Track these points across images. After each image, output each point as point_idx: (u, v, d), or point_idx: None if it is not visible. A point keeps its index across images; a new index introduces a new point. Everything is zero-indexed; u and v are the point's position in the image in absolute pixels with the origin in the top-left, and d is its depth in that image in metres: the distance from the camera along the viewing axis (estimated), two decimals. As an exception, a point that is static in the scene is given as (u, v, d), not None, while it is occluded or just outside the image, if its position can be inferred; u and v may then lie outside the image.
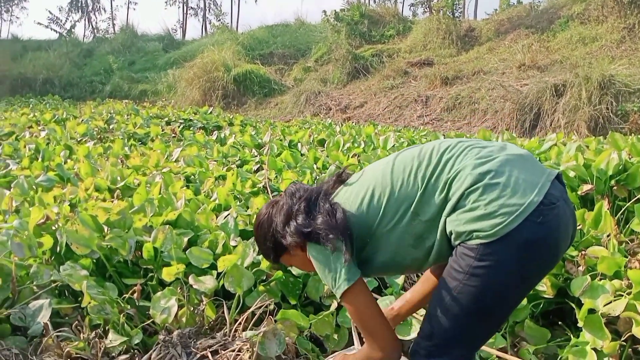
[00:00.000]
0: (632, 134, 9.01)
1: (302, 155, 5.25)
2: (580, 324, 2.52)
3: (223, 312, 2.54)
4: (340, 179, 1.74)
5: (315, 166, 4.68)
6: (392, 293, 2.79)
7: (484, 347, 2.60)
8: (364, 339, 1.71)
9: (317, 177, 4.21)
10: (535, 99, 11.54)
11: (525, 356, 2.64)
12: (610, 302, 2.59)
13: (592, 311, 2.57)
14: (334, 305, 2.57)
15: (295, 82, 19.46)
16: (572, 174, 3.80)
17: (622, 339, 2.47)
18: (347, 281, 1.55)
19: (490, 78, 13.96)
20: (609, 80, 10.60)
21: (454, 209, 1.46)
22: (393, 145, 5.18)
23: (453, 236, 1.47)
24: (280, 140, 6.47)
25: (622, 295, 2.59)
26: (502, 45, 16.66)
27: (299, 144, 6.20)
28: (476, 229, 1.41)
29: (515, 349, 2.72)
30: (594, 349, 2.45)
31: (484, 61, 15.79)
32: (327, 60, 19.64)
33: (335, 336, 2.58)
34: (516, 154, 1.53)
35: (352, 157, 4.84)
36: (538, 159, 4.39)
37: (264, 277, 2.74)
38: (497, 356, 2.59)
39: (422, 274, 2.64)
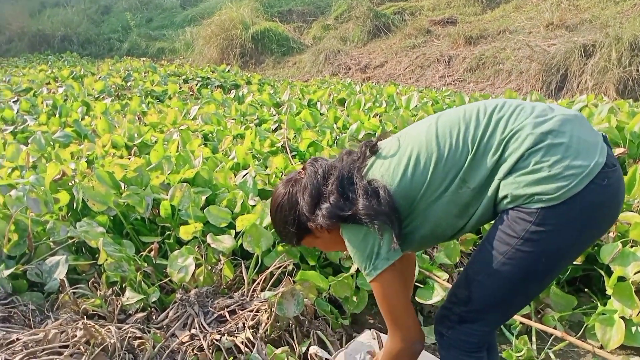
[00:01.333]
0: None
1: (321, 114, 5.13)
2: (609, 291, 2.44)
3: (241, 272, 2.51)
4: (373, 150, 1.57)
5: (335, 126, 4.56)
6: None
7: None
8: (387, 328, 1.62)
9: (337, 137, 4.11)
10: (562, 60, 11.12)
11: (549, 323, 2.57)
12: (641, 270, 2.49)
13: (622, 279, 2.48)
14: (354, 267, 2.51)
15: (314, 41, 19.07)
16: (603, 136, 3.64)
17: (654, 308, 2.38)
18: (386, 260, 1.44)
19: (516, 37, 13.48)
20: (640, 41, 10.15)
21: (510, 172, 1.35)
22: (416, 106, 5.03)
23: (507, 200, 1.37)
24: (299, 99, 6.33)
25: (655, 263, 2.48)
26: (530, 3, 16.01)
27: (318, 103, 6.06)
28: (538, 192, 1.31)
29: (539, 316, 2.66)
30: (622, 318, 2.37)
31: (509, 20, 15.22)
32: (347, 18, 19.14)
33: (355, 299, 2.54)
34: (571, 113, 1.42)
35: (373, 117, 4.71)
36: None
37: (283, 238, 2.68)
38: (520, 322, 2.53)
39: None
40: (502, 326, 2.58)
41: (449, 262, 2.82)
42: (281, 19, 20.63)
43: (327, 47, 17.18)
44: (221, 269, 2.49)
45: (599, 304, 2.54)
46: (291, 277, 2.42)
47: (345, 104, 5.97)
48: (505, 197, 1.37)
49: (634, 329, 2.38)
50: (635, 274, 2.47)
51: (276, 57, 18.43)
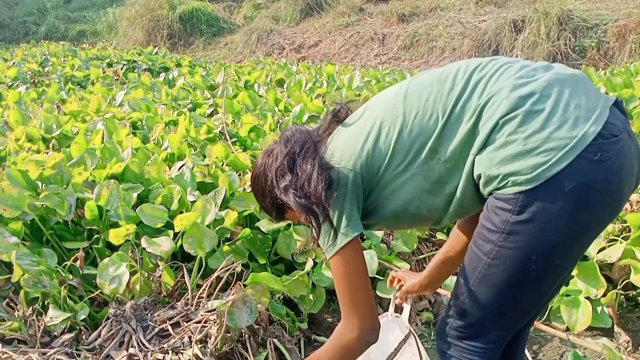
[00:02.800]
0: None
1: (260, 96, 4.84)
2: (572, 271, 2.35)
3: (183, 278, 2.23)
4: (337, 118, 1.38)
5: (276, 108, 4.29)
6: (371, 246, 2.54)
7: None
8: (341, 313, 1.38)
9: (280, 121, 3.85)
10: (493, 36, 11.32)
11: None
12: (604, 248, 2.43)
13: (585, 258, 2.41)
14: (310, 263, 2.30)
15: (245, 21, 18.55)
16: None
17: (619, 287, 2.32)
18: (344, 236, 1.25)
19: (447, 14, 13.58)
20: (567, 16, 10.45)
21: (484, 145, 1.13)
22: (358, 85, 4.83)
23: (482, 182, 1.15)
24: (235, 81, 6.00)
25: (617, 241, 2.43)
26: (458, -21, 16.19)
27: (256, 85, 5.75)
28: (512, 172, 1.09)
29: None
30: (587, 298, 2.29)
31: (440, -3, 15.34)
32: (279, -4, 18.72)
33: (311, 297, 2.33)
34: (567, 73, 1.17)
35: (315, 97, 4.48)
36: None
37: (229, 236, 2.43)
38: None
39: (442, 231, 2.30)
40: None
41: (406, 250, 2.66)
42: (210, -2, 19.89)
43: (259, 27, 16.78)
44: (160, 276, 2.21)
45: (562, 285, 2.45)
46: (241, 281, 2.18)
47: (285, 85, 5.69)
48: (479, 177, 1.16)
49: (599, 309, 2.31)
50: (598, 252, 2.40)
51: (206, 38, 17.89)
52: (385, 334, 1.74)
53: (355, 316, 1.32)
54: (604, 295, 2.28)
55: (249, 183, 2.69)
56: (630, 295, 2.54)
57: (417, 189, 1.24)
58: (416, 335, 1.79)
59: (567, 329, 2.30)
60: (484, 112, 1.14)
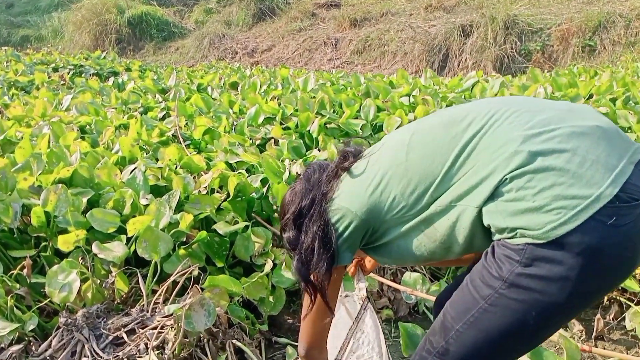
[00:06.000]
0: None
1: (214, 99, 4.77)
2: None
3: (137, 284, 2.16)
4: (344, 165, 1.35)
5: (231, 111, 4.23)
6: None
7: (430, 297, 2.44)
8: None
9: (235, 123, 3.80)
10: (443, 40, 11.58)
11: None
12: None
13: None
14: (269, 265, 2.27)
15: (196, 25, 18.30)
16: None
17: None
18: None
19: (398, 19, 13.80)
20: (512, 20, 10.81)
21: (491, 198, 1.08)
22: (313, 88, 4.83)
23: (492, 230, 1.10)
24: (187, 84, 5.89)
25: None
26: (408, -15, 16.49)
27: (209, 88, 5.66)
28: (521, 226, 1.04)
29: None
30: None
31: (391, 2, 15.57)
32: (231, 1, 18.57)
33: (271, 298, 2.30)
34: (589, 124, 1.09)
35: (270, 99, 4.44)
36: (463, 97, 4.24)
37: (184, 239, 2.37)
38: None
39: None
40: (428, 312, 2.47)
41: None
42: (159, 2, 19.59)
43: (211, 32, 16.61)
44: (113, 283, 2.13)
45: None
46: (198, 284, 2.13)
47: (239, 88, 5.63)
48: (489, 226, 1.11)
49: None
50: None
51: (156, 43, 17.56)
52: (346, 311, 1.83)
53: (303, 339, 1.51)
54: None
55: (204, 185, 2.65)
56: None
57: (415, 231, 1.23)
58: (372, 303, 1.80)
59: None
60: (488, 164, 1.09)
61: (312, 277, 1.34)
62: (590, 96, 4.09)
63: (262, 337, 2.22)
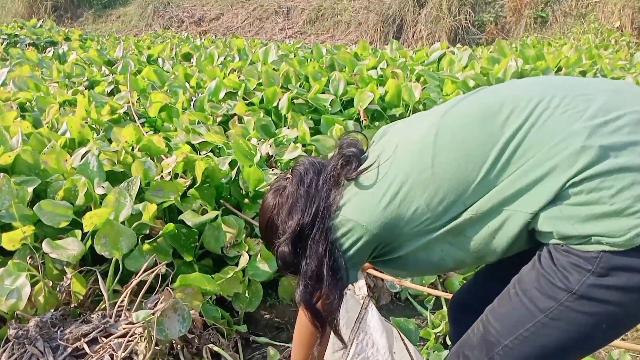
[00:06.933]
0: (488, 45, 9.29)
1: (166, 72, 4.44)
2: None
3: (97, 284, 1.92)
4: (349, 176, 1.14)
5: (187, 85, 3.93)
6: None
7: (415, 286, 2.32)
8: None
9: (194, 98, 3.52)
10: (397, 10, 11.43)
11: (453, 287, 2.41)
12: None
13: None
14: (244, 258, 2.07)
15: (139, -8, 17.43)
16: (471, 83, 3.57)
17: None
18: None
19: (351, -12, 13.52)
20: (466, -10, 10.75)
21: (553, 200, 0.92)
22: (274, 60, 4.55)
23: (552, 236, 0.95)
24: (136, 55, 5.48)
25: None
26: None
27: (160, 60, 5.29)
28: (596, 233, 0.89)
29: (442, 280, 2.49)
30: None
31: (343, -30, 15.26)
32: (175, -34, 17.73)
33: (247, 294, 2.11)
34: None
35: (230, 73, 4.16)
36: (431, 69, 4.10)
37: (147, 232, 2.13)
38: (428, 294, 2.32)
39: None
40: (413, 300, 2.35)
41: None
42: (98, -34, 18.45)
43: (156, -1, 15.83)
44: (69, 285, 1.88)
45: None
46: (166, 282, 1.92)
47: (194, 59, 5.27)
48: (548, 232, 0.95)
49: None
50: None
51: (96, 10, 16.69)
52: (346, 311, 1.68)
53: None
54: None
55: (167, 171, 2.40)
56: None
57: (439, 241, 1.06)
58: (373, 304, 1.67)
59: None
60: (543, 163, 0.93)
61: (319, 304, 1.18)
62: (559, 69, 4.04)
63: (238, 336, 2.03)
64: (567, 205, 0.91)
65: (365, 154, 1.19)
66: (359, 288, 1.66)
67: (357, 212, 1.08)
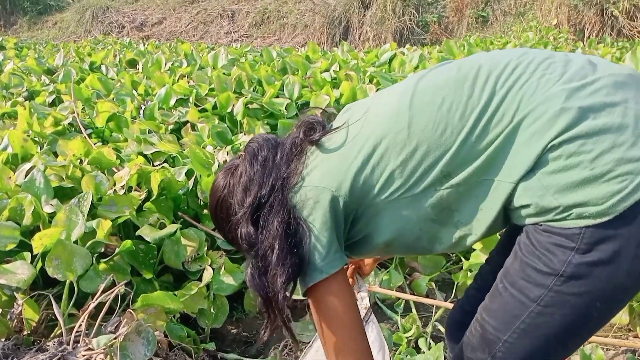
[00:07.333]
0: (433, 45, 9.48)
1: (111, 80, 4.26)
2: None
3: (50, 308, 1.80)
4: (312, 137, 1.07)
5: (135, 92, 3.78)
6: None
7: (383, 290, 2.30)
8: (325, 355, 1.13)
9: (143, 106, 3.39)
10: (343, 12, 11.49)
11: (420, 288, 2.40)
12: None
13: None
14: (208, 272, 1.99)
15: (76, -3, 16.85)
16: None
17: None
18: (319, 272, 1.01)
19: (295, -10, 13.51)
20: (408, -9, 10.93)
21: (531, 169, 0.89)
22: (224, 64, 4.46)
23: (530, 212, 0.90)
24: (77, 63, 5.26)
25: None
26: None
27: (103, 67, 5.09)
28: (577, 202, 0.85)
29: (409, 282, 2.48)
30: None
31: (286, -28, 15.23)
32: (112, -30, 17.23)
33: (212, 309, 2.03)
34: (623, 72, 0.93)
35: (179, 78, 4.04)
36: (383, 70, 4.12)
37: (102, 250, 2.02)
38: (397, 297, 2.30)
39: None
40: (382, 304, 2.33)
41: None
42: (31, -29, 17.72)
43: (93, 4, 15.44)
44: (20, 312, 1.75)
45: (463, 260, 2.43)
46: (125, 301, 1.82)
47: (140, 66, 5.10)
48: (525, 207, 0.91)
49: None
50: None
51: (31, 17, 16.06)
52: None
53: None
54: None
55: (121, 184, 2.29)
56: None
57: (420, 217, 1.01)
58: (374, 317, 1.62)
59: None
60: (525, 127, 0.90)
61: (270, 290, 1.03)
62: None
63: (206, 354, 1.95)
64: (545, 173, 0.88)
65: (330, 125, 1.13)
66: (361, 299, 1.61)
67: (325, 178, 1.01)
